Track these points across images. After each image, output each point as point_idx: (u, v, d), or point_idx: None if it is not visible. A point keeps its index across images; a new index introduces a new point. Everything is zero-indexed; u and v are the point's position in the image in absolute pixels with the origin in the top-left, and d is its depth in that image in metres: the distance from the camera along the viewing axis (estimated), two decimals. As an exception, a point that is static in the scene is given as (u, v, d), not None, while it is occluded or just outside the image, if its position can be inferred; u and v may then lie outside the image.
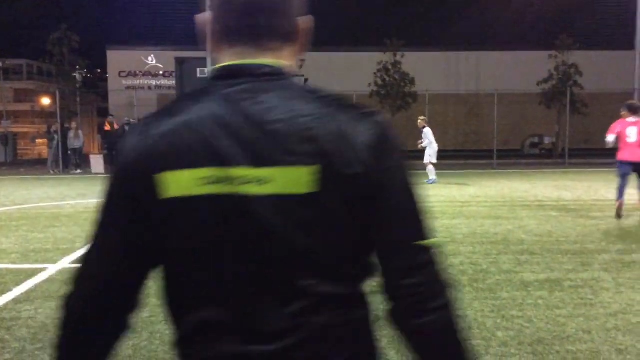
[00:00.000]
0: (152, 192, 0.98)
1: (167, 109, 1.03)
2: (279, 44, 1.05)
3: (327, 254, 0.99)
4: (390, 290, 1.04)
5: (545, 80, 29.44)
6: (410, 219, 1.04)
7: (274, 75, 1.02)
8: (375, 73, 29.94)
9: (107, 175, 1.05)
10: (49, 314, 4.56)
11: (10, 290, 5.26)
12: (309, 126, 0.97)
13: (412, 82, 29.55)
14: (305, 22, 1.09)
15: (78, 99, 25.60)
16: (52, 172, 22.35)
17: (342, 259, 1.01)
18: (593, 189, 13.93)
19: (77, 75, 32.21)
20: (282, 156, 0.96)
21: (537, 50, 32.38)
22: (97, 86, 61.97)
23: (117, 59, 43.02)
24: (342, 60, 36.39)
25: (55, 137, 22.55)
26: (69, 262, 6.43)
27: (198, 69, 31.94)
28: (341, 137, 0.97)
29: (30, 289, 5.32)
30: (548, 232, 8.19)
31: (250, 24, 1.02)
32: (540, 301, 4.95)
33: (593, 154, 26.30)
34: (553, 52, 29.40)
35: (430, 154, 15.45)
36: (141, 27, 44.95)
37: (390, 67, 29.78)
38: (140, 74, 42.14)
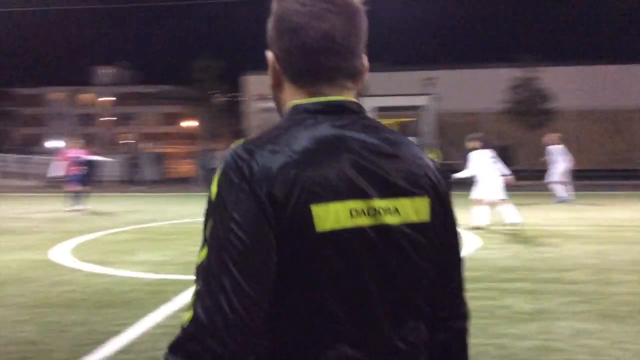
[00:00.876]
0: (308, 224, 0.94)
1: (282, 138, 0.99)
2: (351, 83, 1.09)
3: (431, 277, 1.10)
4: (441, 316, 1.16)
5: None
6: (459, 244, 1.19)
7: (361, 112, 1.08)
8: (509, 89, 28.91)
9: (235, 202, 0.94)
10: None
11: (170, 300, 5.71)
12: (422, 161, 1.08)
13: (547, 98, 28.15)
14: (366, 61, 1.12)
15: (222, 122, 27.33)
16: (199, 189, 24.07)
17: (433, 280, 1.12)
18: None
19: (221, 100, 34.43)
20: (409, 187, 1.03)
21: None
22: (235, 109, 65.63)
23: (253, 83, 45.38)
24: (476, 77, 35.56)
25: (204, 156, 24.35)
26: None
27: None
28: (436, 171, 1.10)
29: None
30: None
31: (332, 65, 1.05)
32: None
33: None
34: None
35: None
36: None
37: (524, 83, 28.62)
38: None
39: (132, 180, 24.60)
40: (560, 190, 15.08)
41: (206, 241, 0.95)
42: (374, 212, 0.99)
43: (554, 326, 4.81)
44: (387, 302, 1.02)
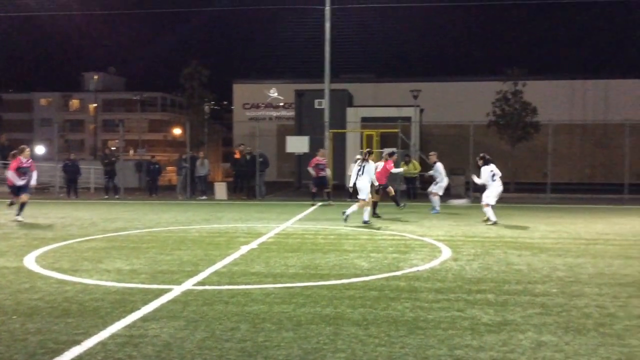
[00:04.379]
0: None
1: None
2: None
3: None
4: None
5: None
6: None
7: None
8: (493, 102, 29.12)
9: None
10: (172, 333, 4.87)
11: (138, 308, 5.65)
12: None
13: (533, 111, 28.39)
14: None
15: (206, 130, 27.25)
16: (180, 197, 23.89)
17: None
18: None
19: (206, 108, 34.38)
20: None
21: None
22: (222, 117, 65.60)
23: (242, 91, 45.43)
24: (459, 90, 35.81)
25: (185, 165, 24.10)
26: (192, 284, 6.83)
27: (316, 101, 32.90)
28: None
29: (157, 308, 5.70)
30: (688, 275, 7.46)
31: None
32: (677, 352, 4.52)
33: None
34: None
35: (441, 187, 16.95)
36: (264, 62, 47.59)
37: (510, 96, 28.84)
38: (262, 105, 44.16)
39: (111, 187, 24.31)
40: (437, 202, 16.89)
41: None
42: None
43: (516, 338, 4.82)
44: None
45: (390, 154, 16.21)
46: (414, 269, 7.79)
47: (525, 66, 29.27)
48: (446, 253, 9.14)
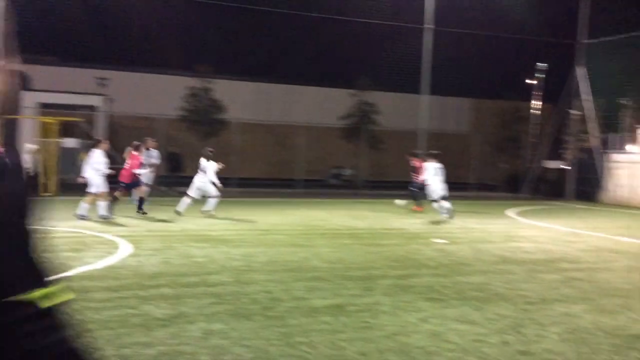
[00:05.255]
0: None
1: None
2: None
3: None
4: None
5: (347, 117, 31.52)
6: None
7: None
8: (184, 98, 29.44)
9: None
10: None
11: None
12: None
13: (221, 109, 29.58)
14: None
15: None
16: None
17: None
18: (384, 218, 15.07)
19: None
20: None
21: (342, 88, 34.59)
22: None
23: None
24: (152, 82, 35.26)
25: None
26: None
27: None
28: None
29: None
30: (340, 259, 8.63)
31: None
32: (325, 326, 5.13)
33: (387, 185, 28.64)
34: (354, 91, 31.66)
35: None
36: None
37: (200, 92, 29.52)
38: None
39: None
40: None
41: None
42: None
43: (187, 330, 4.86)
44: None
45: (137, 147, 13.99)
46: (88, 267, 7.30)
47: (214, 65, 30.30)
48: (126, 249, 8.80)
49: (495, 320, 5.55)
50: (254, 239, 10.40)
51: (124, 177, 13.41)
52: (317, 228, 12.51)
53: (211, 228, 11.65)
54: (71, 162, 18.96)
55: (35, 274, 1.12)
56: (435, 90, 27.43)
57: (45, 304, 1.09)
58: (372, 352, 4.50)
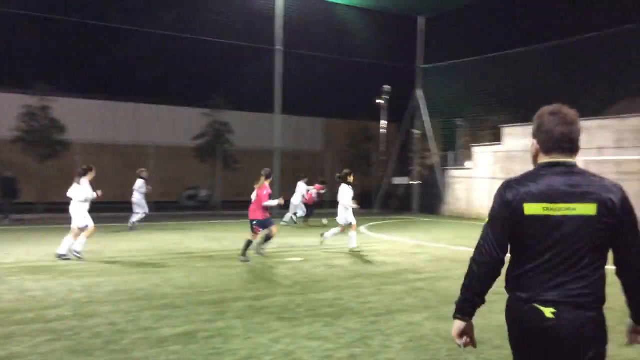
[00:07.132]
0: (521, 211, 2.42)
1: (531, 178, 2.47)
2: (571, 153, 2.50)
3: (596, 245, 2.38)
4: (626, 264, 2.46)
5: (201, 136, 30.95)
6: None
7: (573, 166, 2.47)
8: (18, 117, 26.99)
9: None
10: None
11: None
12: (595, 187, 2.40)
13: (61, 129, 27.55)
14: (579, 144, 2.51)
15: None
16: None
17: (598, 248, 2.39)
18: (240, 238, 14.90)
19: None
20: (581, 198, 2.38)
21: (195, 107, 33.92)
22: None
23: None
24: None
25: None
26: None
27: None
28: (605, 192, 2.39)
29: None
30: (192, 283, 8.37)
31: (565, 146, 2.48)
32: (173, 356, 4.93)
33: (243, 205, 28.53)
34: (207, 110, 31.19)
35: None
36: None
37: (37, 111, 27.27)
38: None
39: None
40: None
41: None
42: (557, 209, 2.37)
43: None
44: (563, 254, 2.36)
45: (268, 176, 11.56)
46: None
47: (54, 82, 28.24)
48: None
49: (345, 334, 5.70)
50: (98, 268, 9.74)
51: None
52: (169, 252, 12.05)
53: (50, 259, 10.72)
54: None
55: None
56: (290, 110, 27.97)
57: None
58: (222, 379, 4.38)
